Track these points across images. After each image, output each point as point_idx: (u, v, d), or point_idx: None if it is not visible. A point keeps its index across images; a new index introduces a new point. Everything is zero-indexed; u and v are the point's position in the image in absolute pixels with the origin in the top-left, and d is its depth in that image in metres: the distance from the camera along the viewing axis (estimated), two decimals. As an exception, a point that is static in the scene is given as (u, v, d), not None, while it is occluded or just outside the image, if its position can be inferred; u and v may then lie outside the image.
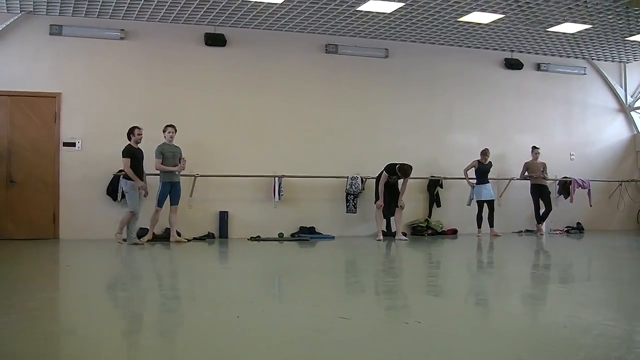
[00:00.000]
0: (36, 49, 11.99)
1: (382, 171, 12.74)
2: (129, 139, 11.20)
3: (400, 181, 12.83)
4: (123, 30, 12.38)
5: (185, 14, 12.14)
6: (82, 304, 5.67)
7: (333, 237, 12.96)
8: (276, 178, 12.95)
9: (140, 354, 3.87)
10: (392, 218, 13.10)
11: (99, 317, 5.10)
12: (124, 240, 11.24)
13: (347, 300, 6.13)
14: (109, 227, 11.93)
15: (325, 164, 13.34)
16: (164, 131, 11.59)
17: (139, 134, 11.21)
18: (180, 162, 11.62)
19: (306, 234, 12.95)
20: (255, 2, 11.53)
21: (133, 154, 11.11)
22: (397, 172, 12.61)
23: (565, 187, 15.45)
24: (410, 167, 12.64)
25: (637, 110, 16.39)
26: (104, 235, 11.81)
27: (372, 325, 4.93)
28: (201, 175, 12.27)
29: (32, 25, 11.95)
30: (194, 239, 11.85)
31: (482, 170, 13.83)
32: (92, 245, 11.08)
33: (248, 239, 12.42)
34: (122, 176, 11.37)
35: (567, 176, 15.47)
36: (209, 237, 12.50)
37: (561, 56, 15.53)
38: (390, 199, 12.82)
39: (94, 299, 6.03)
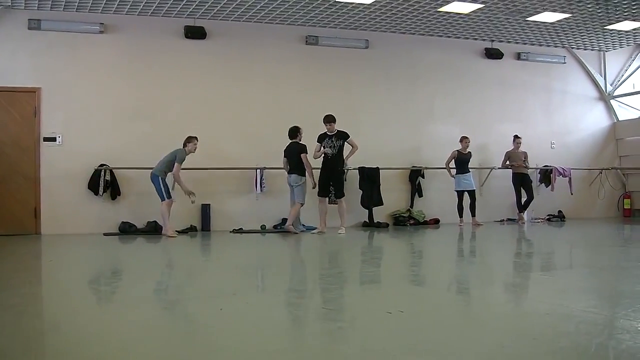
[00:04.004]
0: (15, 43, 11.88)
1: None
2: (296, 137, 12.15)
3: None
4: (102, 24, 12.28)
5: (165, 6, 12.06)
6: (66, 300, 5.65)
7: (315, 228, 12.96)
8: (258, 170, 12.96)
9: (124, 348, 3.86)
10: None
11: (83, 313, 5.07)
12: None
13: (330, 290, 6.14)
14: (91, 222, 11.99)
15: (307, 156, 13.29)
16: (191, 142, 11.61)
17: (302, 133, 12.15)
18: None
19: (289, 226, 12.95)
20: (235, -6, 11.51)
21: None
22: (325, 123, 12.00)
23: (547, 175, 15.55)
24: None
25: (616, 99, 16.51)
26: (86, 230, 11.82)
27: (355, 315, 4.95)
28: (183, 168, 12.21)
29: (10, 20, 11.83)
30: (177, 232, 11.83)
31: (461, 160, 13.89)
32: (74, 239, 11.03)
33: (230, 232, 12.40)
34: (296, 173, 12.06)
35: (548, 165, 15.57)
36: (191, 230, 12.50)
37: (541, 45, 15.59)
38: (324, 185, 12.22)
39: (77, 294, 6.00)
